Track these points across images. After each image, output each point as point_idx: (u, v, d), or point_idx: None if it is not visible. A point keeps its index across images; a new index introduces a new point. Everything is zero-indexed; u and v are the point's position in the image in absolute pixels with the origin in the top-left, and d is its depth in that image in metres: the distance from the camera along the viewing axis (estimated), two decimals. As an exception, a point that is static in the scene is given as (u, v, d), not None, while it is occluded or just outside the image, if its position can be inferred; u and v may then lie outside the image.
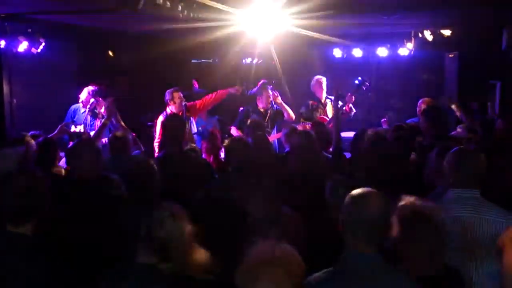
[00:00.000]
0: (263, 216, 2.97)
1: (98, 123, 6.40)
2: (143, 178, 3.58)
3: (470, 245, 2.73)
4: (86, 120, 6.36)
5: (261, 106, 7.14)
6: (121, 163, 4.55)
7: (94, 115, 6.44)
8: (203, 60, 10.98)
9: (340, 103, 6.31)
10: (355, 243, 2.25)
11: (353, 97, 7.02)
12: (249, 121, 6.04)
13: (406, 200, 2.40)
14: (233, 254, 3.44)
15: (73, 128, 5.95)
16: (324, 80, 7.35)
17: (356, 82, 7.10)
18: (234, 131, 6.97)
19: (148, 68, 8.63)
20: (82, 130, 5.95)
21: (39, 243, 2.58)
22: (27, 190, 2.57)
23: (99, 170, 3.74)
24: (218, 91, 6.93)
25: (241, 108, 7.43)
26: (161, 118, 6.51)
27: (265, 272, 1.74)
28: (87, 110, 6.37)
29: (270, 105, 7.11)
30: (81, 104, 6.49)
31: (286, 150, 5.32)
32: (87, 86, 6.56)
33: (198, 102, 6.88)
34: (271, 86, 7.34)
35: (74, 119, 6.35)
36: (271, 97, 7.11)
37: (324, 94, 7.35)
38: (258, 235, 2.86)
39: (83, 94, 6.46)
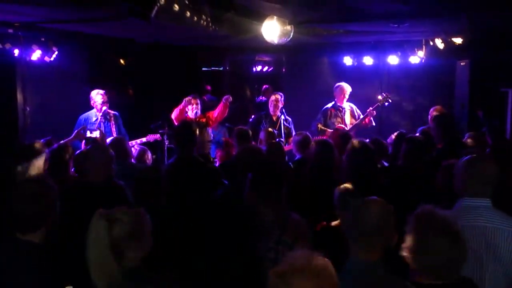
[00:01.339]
0: (272, 221, 2.99)
1: (113, 128, 6.47)
2: (150, 184, 3.61)
3: (482, 255, 2.70)
4: (100, 127, 6.41)
5: (272, 113, 7.19)
6: (123, 169, 4.60)
7: (106, 119, 6.50)
8: (213, 68, 11.04)
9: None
10: (357, 250, 2.27)
11: (375, 112, 7.11)
12: (263, 131, 6.06)
13: (423, 208, 2.38)
14: (239, 258, 3.46)
15: (88, 134, 6.00)
16: (349, 88, 7.37)
17: (379, 97, 7.19)
18: None
19: (159, 75, 8.70)
20: (98, 136, 5.99)
21: (47, 250, 2.58)
22: (36, 197, 2.58)
23: (108, 175, 3.77)
24: (220, 105, 6.98)
25: (253, 115, 7.49)
26: (174, 113, 6.71)
27: (297, 280, 1.72)
28: (100, 117, 6.41)
29: (279, 112, 7.14)
30: (93, 111, 6.52)
31: (296, 158, 5.32)
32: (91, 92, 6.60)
33: (212, 115, 6.96)
34: (281, 93, 7.37)
35: (88, 128, 6.36)
36: (280, 103, 7.15)
37: (345, 102, 7.37)
38: (266, 239, 2.89)
39: (98, 99, 6.48)
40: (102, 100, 6.45)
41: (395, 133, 5.85)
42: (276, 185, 3.08)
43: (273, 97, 7.24)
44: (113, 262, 2.27)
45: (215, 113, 6.95)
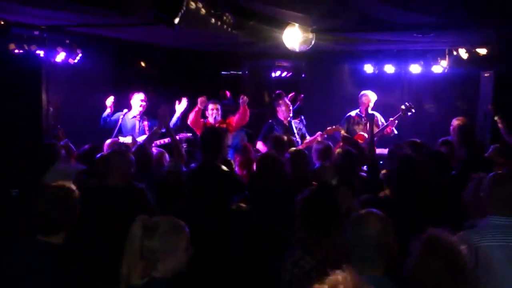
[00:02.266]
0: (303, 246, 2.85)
1: (146, 128, 6.71)
2: (171, 189, 3.63)
3: (505, 275, 2.65)
4: (134, 126, 6.68)
5: (282, 118, 7.15)
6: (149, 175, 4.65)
7: (142, 119, 6.80)
8: (232, 72, 11.06)
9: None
10: (358, 265, 2.22)
11: (396, 121, 7.06)
12: (285, 138, 6.03)
13: (431, 231, 2.34)
14: (254, 272, 3.45)
15: (122, 139, 6.14)
16: (373, 96, 7.35)
17: (403, 107, 7.14)
18: (260, 145, 6.99)
19: (179, 79, 8.76)
20: (130, 141, 6.13)
21: (67, 251, 2.63)
22: (60, 201, 2.64)
23: (128, 179, 3.81)
24: (240, 110, 6.96)
25: (265, 124, 7.47)
26: (191, 116, 6.76)
27: None
28: (138, 117, 6.75)
29: (290, 117, 7.12)
30: (131, 111, 6.81)
31: (316, 167, 5.29)
32: (133, 94, 6.93)
33: (232, 120, 6.97)
34: (288, 97, 7.35)
35: (120, 124, 6.66)
36: (289, 107, 7.12)
37: (369, 110, 7.34)
38: (285, 258, 2.82)
39: (136, 102, 6.80)
40: (142, 100, 6.79)
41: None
42: (328, 219, 2.86)
43: (282, 103, 7.18)
44: (138, 268, 2.29)
45: (235, 119, 6.95)
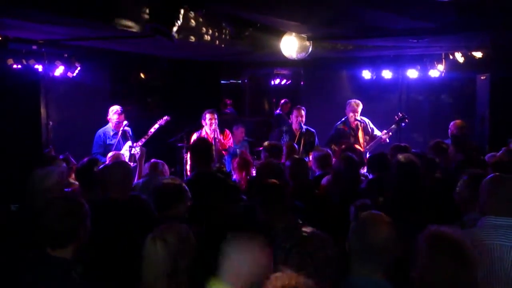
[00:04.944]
0: (283, 228, 3.08)
1: (129, 134, 6.54)
2: (173, 199, 3.64)
3: (501, 274, 2.66)
4: (119, 143, 6.44)
5: (294, 127, 7.18)
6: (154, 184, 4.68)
7: (125, 137, 6.53)
8: (231, 81, 11.11)
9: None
10: (360, 268, 2.22)
11: (390, 133, 7.02)
12: (284, 145, 6.02)
13: (435, 227, 2.34)
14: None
15: (132, 150, 6.13)
16: (357, 104, 7.25)
17: (396, 118, 7.07)
18: None
19: (179, 89, 8.80)
20: (139, 152, 6.04)
21: (75, 266, 2.60)
22: (67, 214, 2.61)
23: (128, 190, 3.82)
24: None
25: (276, 129, 7.49)
26: (194, 136, 6.76)
27: None
28: (120, 132, 6.45)
29: (299, 126, 7.13)
30: (110, 126, 6.54)
31: (316, 174, 5.29)
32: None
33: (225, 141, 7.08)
34: (303, 107, 7.36)
35: (108, 143, 6.43)
36: (301, 117, 7.12)
37: (358, 118, 7.25)
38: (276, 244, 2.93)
39: (114, 117, 6.52)
40: (118, 120, 6.49)
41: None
42: (279, 198, 3.20)
43: (298, 112, 7.21)
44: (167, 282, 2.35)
45: (228, 142, 7.01)
